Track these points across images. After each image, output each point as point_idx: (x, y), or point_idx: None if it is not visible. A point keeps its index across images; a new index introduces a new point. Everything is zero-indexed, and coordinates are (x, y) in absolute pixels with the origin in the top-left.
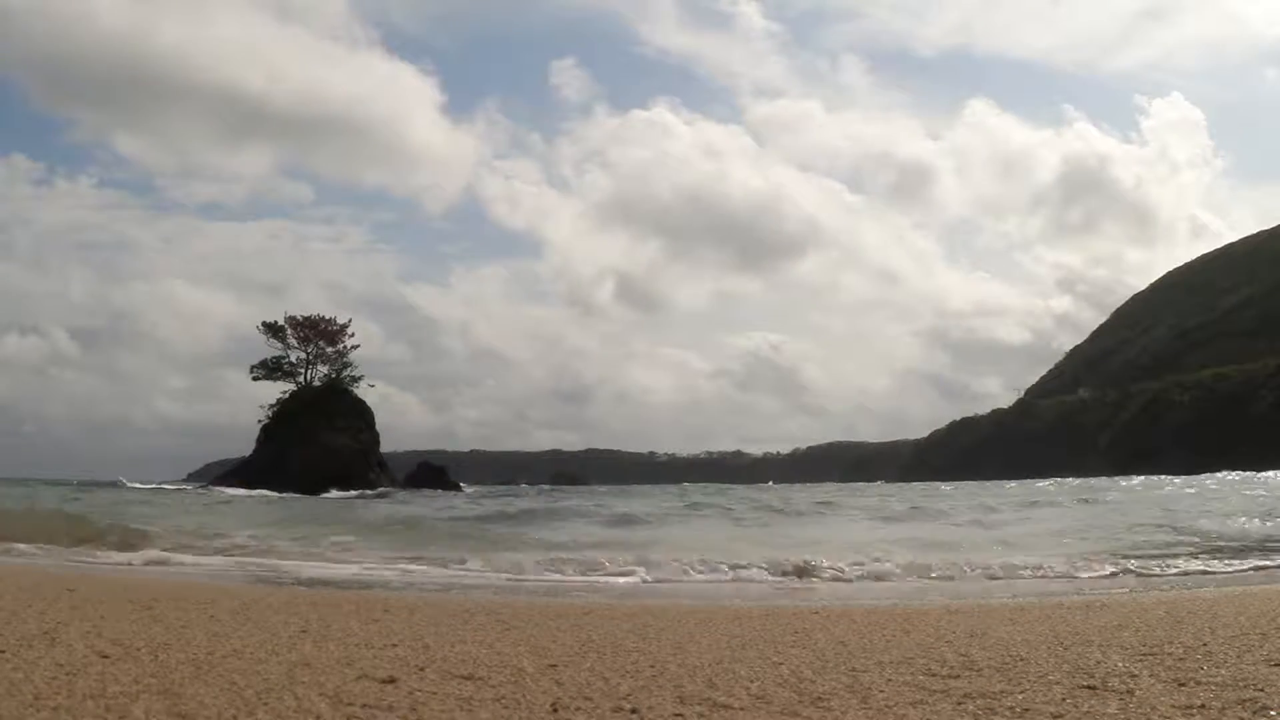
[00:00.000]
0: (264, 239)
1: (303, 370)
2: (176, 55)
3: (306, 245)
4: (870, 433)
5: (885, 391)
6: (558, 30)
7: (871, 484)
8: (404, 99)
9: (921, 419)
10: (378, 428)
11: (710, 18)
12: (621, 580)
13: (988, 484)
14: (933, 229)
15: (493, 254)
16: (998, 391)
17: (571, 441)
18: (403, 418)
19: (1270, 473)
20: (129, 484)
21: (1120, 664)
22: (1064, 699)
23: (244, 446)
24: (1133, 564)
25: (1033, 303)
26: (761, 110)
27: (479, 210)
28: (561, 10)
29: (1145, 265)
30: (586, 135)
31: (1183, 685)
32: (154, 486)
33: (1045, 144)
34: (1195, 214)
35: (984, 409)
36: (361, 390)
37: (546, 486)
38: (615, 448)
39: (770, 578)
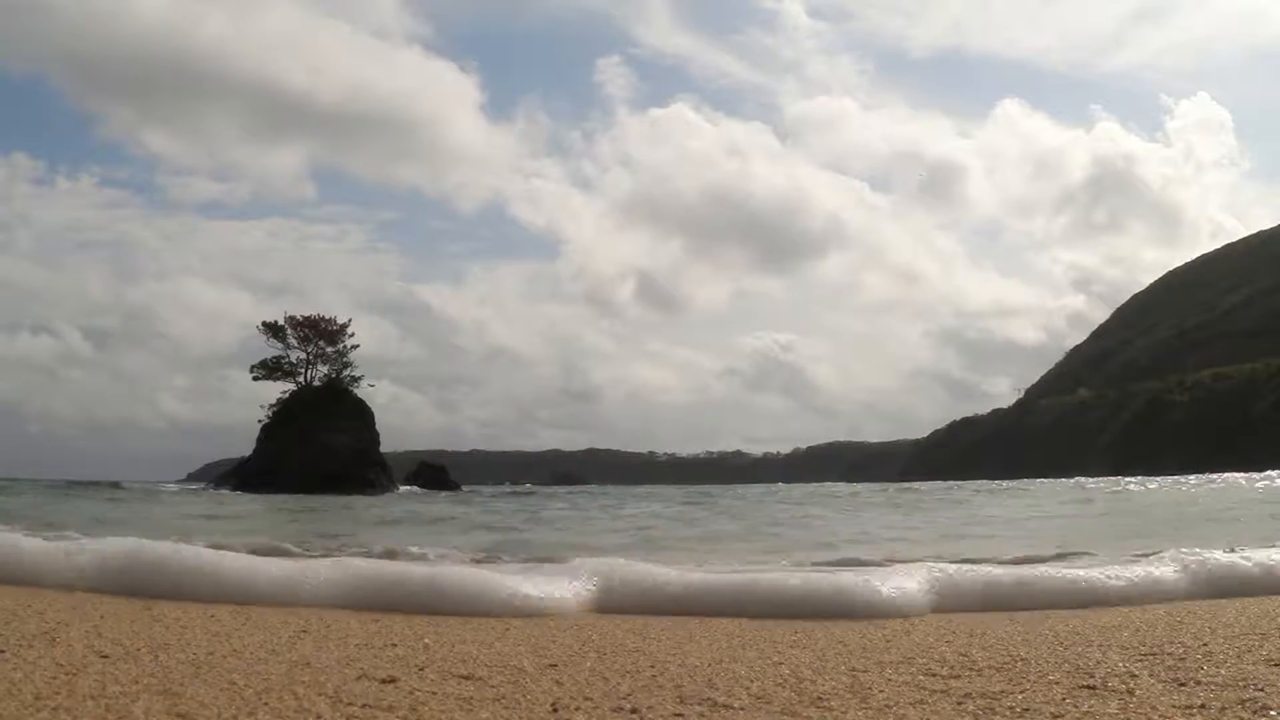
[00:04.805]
0: (285, 238)
1: (303, 370)
2: (218, 50)
3: (332, 244)
4: (878, 433)
5: (895, 391)
6: (572, 29)
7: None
8: (442, 98)
9: (932, 419)
10: (386, 428)
11: (744, 17)
12: None
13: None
14: (958, 228)
15: (515, 253)
16: (1009, 392)
17: (573, 441)
18: (411, 418)
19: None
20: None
21: (1120, 664)
22: (1064, 699)
23: (246, 446)
24: None
25: (1048, 302)
26: (790, 109)
27: (504, 209)
28: (578, 10)
29: (1163, 265)
30: (615, 134)
31: (1183, 685)
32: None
33: (1074, 143)
34: (1214, 214)
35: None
36: (363, 390)
37: (561, 489)
38: (616, 447)
39: None
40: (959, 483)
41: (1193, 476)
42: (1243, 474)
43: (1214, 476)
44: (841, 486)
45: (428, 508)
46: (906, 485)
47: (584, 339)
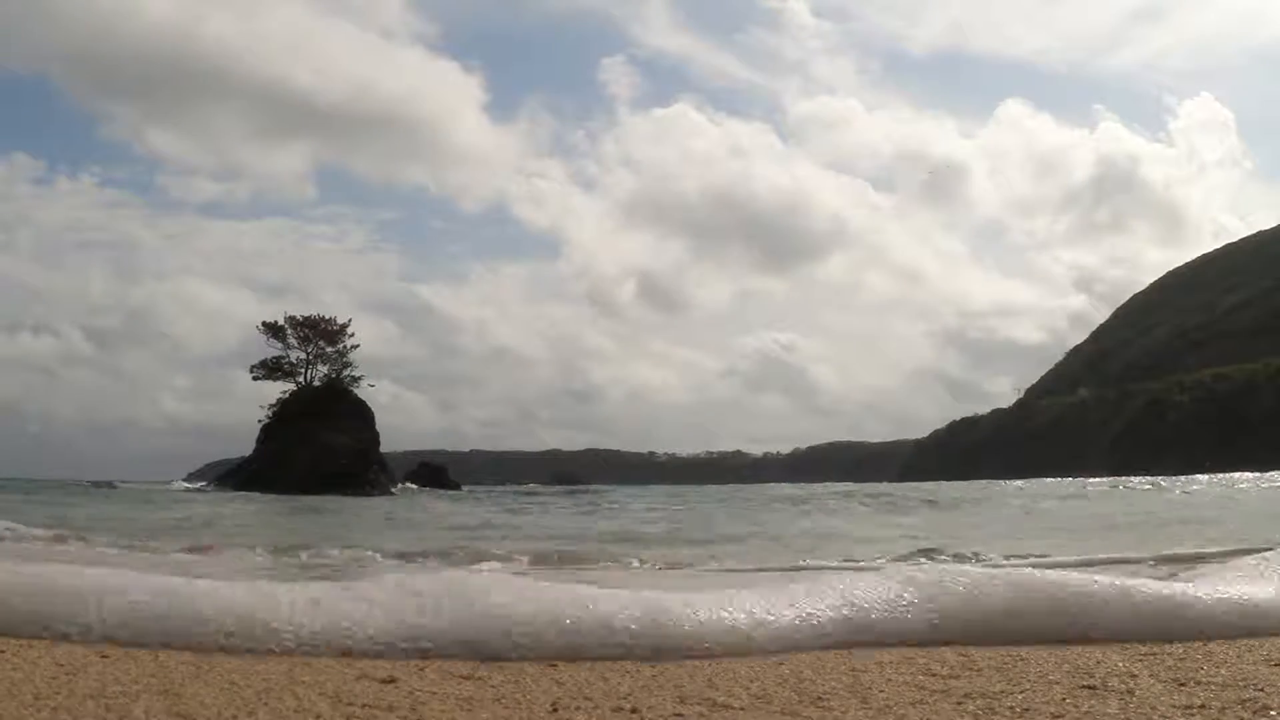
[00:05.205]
0: (286, 238)
1: (303, 370)
2: (222, 49)
3: (333, 244)
4: (879, 433)
5: (896, 391)
6: (576, 28)
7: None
8: (445, 98)
9: (932, 419)
10: (386, 428)
11: (747, 16)
12: None
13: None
14: (960, 228)
15: (517, 253)
16: (1010, 392)
17: (573, 441)
18: (411, 418)
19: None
20: None
21: (1120, 664)
22: (1064, 699)
23: (246, 446)
24: None
25: (1049, 302)
26: (793, 109)
27: (506, 209)
28: (582, 9)
29: (1165, 265)
30: (617, 134)
31: (1183, 685)
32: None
33: (1077, 143)
34: (1217, 215)
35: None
36: (363, 390)
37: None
38: (616, 447)
39: None
40: (985, 482)
41: (1202, 476)
42: (1250, 474)
43: (1224, 476)
44: (843, 486)
45: (454, 508)
46: (918, 484)
47: (585, 339)
